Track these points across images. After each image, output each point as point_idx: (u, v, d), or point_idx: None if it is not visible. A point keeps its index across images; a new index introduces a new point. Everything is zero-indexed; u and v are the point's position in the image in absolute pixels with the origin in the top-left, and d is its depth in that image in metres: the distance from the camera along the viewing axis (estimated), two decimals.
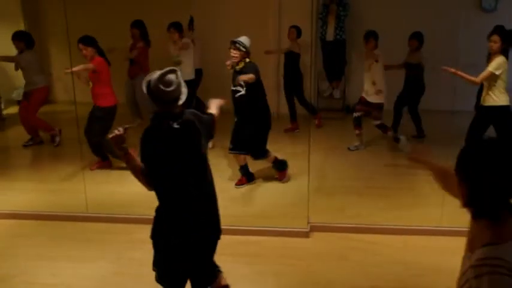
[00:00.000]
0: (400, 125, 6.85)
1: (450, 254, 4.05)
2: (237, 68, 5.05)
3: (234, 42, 4.99)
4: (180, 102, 2.73)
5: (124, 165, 2.87)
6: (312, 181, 4.65)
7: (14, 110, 7.59)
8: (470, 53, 6.01)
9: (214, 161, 5.57)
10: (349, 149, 6.37)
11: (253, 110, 5.09)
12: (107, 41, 5.76)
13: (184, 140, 2.72)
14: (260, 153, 5.27)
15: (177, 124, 2.69)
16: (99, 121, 5.54)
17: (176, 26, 6.38)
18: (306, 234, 4.39)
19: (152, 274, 2.94)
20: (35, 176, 5.93)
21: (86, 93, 5.59)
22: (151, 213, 2.86)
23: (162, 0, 7.29)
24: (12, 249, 4.24)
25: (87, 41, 5.45)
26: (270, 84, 7.09)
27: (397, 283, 3.70)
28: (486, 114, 5.10)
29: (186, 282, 2.97)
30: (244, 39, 5.01)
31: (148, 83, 2.70)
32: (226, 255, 4.06)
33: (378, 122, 6.23)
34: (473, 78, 5.00)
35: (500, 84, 4.97)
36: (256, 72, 4.98)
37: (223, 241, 4.28)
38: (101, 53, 5.52)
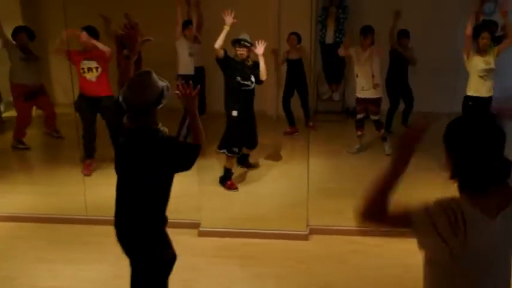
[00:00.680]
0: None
1: None
2: (249, 63, 5.24)
3: (238, 41, 5.18)
4: (159, 106, 2.54)
5: None
6: (311, 183, 4.65)
7: (13, 113, 7.58)
8: None
9: (212, 164, 5.63)
10: (351, 152, 6.35)
11: (252, 105, 5.33)
12: (108, 42, 5.79)
13: (124, 156, 2.61)
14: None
15: (123, 138, 2.57)
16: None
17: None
18: (305, 237, 4.39)
19: None
20: (35, 179, 5.93)
21: None
22: None
23: (160, 5, 7.31)
24: (12, 252, 4.24)
25: (93, 32, 5.55)
26: (269, 87, 7.11)
27: (396, 286, 3.70)
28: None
29: None
30: (246, 35, 5.22)
31: (123, 92, 2.54)
32: (225, 257, 4.09)
33: (376, 117, 6.24)
34: None
35: None
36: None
37: (222, 244, 4.32)
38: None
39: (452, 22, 6.83)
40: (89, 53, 5.52)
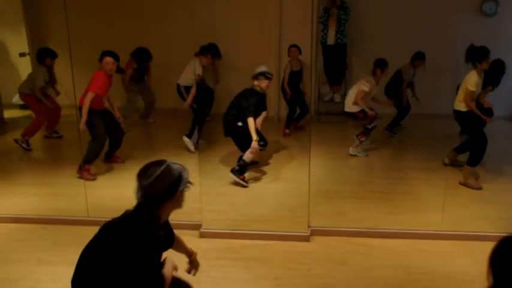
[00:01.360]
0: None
1: (450, 258, 4.07)
2: (263, 92, 5.56)
3: (264, 74, 5.43)
4: (171, 196, 2.28)
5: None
6: (312, 185, 4.65)
7: (15, 114, 7.61)
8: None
9: (214, 166, 5.63)
10: (362, 155, 6.37)
11: None
12: (108, 44, 5.79)
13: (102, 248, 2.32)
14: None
15: (112, 227, 2.31)
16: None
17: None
18: (306, 238, 4.39)
19: None
20: (36, 181, 5.93)
21: None
22: None
23: (161, 7, 7.33)
24: (13, 254, 4.24)
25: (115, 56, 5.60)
26: (270, 90, 7.11)
27: (397, 287, 3.70)
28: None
29: None
30: (267, 68, 5.51)
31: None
32: (226, 259, 4.09)
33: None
34: None
35: None
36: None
37: (223, 245, 4.33)
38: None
39: (452, 23, 6.83)
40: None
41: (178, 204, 2.36)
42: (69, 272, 3.94)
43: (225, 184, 5.42)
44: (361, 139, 6.29)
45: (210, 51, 6.48)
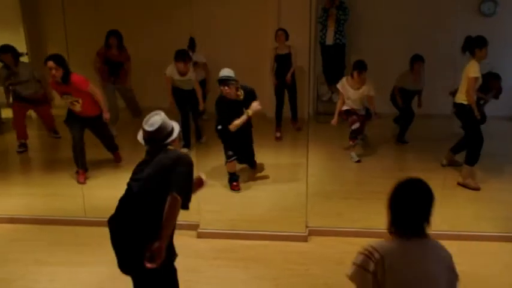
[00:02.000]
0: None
1: None
2: (239, 99, 5.15)
3: (222, 81, 5.04)
4: (170, 139, 2.96)
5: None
6: (310, 185, 4.65)
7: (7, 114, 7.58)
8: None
9: (212, 165, 5.62)
10: (355, 160, 6.30)
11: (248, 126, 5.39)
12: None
13: (143, 170, 2.90)
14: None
15: (145, 157, 2.96)
16: (106, 125, 5.70)
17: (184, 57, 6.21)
18: (304, 239, 4.38)
19: None
20: (33, 181, 5.92)
21: None
22: None
23: (160, 5, 7.32)
24: (10, 254, 4.23)
25: (59, 61, 5.16)
26: (266, 89, 7.10)
27: None
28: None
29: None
30: (228, 71, 5.08)
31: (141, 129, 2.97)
32: (224, 259, 4.08)
33: (355, 127, 6.19)
34: None
35: None
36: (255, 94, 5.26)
37: (221, 245, 4.32)
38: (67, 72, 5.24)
39: (451, 23, 6.83)
40: (66, 87, 5.26)
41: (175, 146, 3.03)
42: (66, 272, 3.96)
43: (222, 184, 5.41)
44: (350, 143, 6.23)
45: (179, 57, 6.12)
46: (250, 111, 5.09)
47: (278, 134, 7.07)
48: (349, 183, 5.64)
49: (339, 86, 6.18)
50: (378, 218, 4.60)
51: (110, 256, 4.10)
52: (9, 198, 5.27)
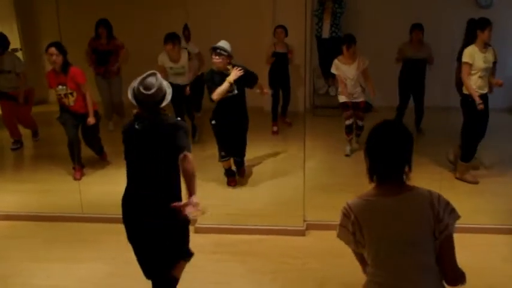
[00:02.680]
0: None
1: None
2: (227, 72, 5.00)
3: (215, 49, 4.96)
4: (164, 103, 2.90)
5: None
6: (307, 179, 4.63)
7: None
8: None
9: (208, 159, 5.60)
10: (346, 155, 6.29)
11: (245, 108, 5.17)
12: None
13: (144, 141, 2.89)
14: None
15: (140, 126, 2.88)
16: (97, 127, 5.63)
17: (173, 38, 6.09)
18: (301, 232, 4.38)
19: None
20: (29, 177, 5.90)
21: None
22: None
23: (156, 1, 7.28)
24: (6, 251, 4.21)
25: (61, 48, 5.21)
26: (266, 83, 7.07)
27: None
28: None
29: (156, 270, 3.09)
30: (224, 43, 4.99)
31: (133, 89, 2.87)
32: (223, 253, 4.08)
33: (362, 123, 6.15)
34: None
35: None
36: (245, 69, 5.03)
37: (219, 240, 4.31)
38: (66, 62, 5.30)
39: (447, 15, 6.80)
40: (63, 77, 5.27)
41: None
42: (63, 268, 3.94)
43: (219, 179, 5.40)
44: (346, 137, 6.19)
45: (168, 39, 5.97)
46: (230, 78, 4.92)
47: (275, 128, 7.06)
48: (347, 176, 5.62)
49: (333, 70, 6.08)
50: None
51: (107, 252, 4.11)
52: (5, 195, 5.25)
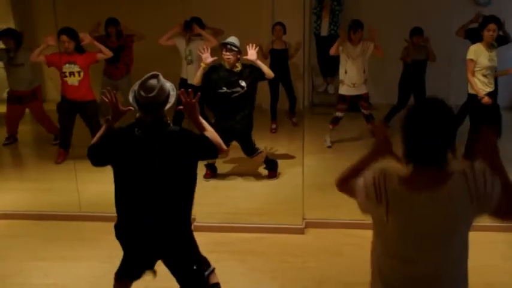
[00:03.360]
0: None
1: None
2: (235, 70, 5.02)
3: (225, 45, 4.95)
4: (168, 106, 2.71)
5: None
6: (306, 177, 4.62)
7: (3, 109, 7.50)
8: (464, 46, 6.00)
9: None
10: (327, 145, 6.32)
11: (249, 108, 5.14)
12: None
13: (145, 150, 2.64)
14: (255, 149, 5.26)
15: (141, 132, 2.65)
16: (97, 116, 5.63)
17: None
18: (301, 231, 4.37)
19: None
20: (26, 176, 5.88)
21: None
22: None
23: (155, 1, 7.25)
24: (4, 250, 4.19)
25: (72, 34, 5.41)
26: (264, 81, 7.05)
27: None
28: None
29: None
30: (233, 39, 4.99)
31: (134, 92, 2.71)
32: (221, 252, 4.06)
33: (368, 112, 6.20)
34: None
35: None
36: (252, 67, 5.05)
37: (217, 239, 4.29)
38: (79, 47, 5.53)
39: (445, 12, 6.80)
40: (72, 56, 5.46)
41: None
42: (62, 267, 3.93)
43: (218, 177, 5.39)
44: (329, 126, 6.28)
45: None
46: (202, 63, 4.97)
47: (274, 126, 7.04)
48: None
49: (335, 48, 6.09)
50: None
51: (105, 251, 4.09)
52: (3, 194, 5.22)
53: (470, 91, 5.14)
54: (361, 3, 7.63)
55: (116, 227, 2.84)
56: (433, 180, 1.84)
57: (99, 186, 5.22)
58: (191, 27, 6.18)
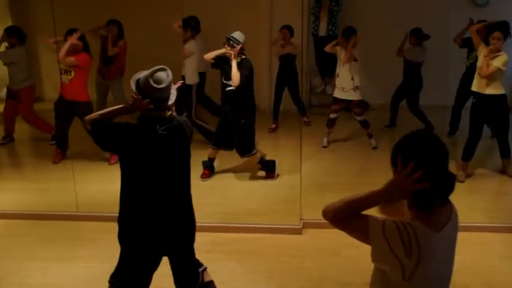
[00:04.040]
0: (397, 119, 6.86)
1: None
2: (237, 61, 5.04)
3: (228, 39, 4.96)
4: (170, 102, 2.71)
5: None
6: (304, 177, 4.62)
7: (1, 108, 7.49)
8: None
9: (200, 159, 5.58)
10: (323, 146, 6.34)
11: (243, 105, 5.10)
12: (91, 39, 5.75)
13: (169, 146, 2.70)
14: (248, 149, 5.24)
15: (164, 130, 2.67)
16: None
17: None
18: (298, 231, 4.37)
19: None
20: (24, 175, 5.87)
21: None
22: None
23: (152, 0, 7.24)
24: (1, 250, 4.18)
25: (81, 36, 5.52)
26: (262, 81, 7.06)
27: None
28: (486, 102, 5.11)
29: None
30: (237, 34, 5.00)
31: (137, 81, 2.68)
32: (218, 252, 4.06)
33: (361, 118, 6.22)
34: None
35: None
36: (250, 69, 5.02)
37: (215, 239, 4.29)
38: (86, 47, 5.60)
39: (444, 13, 6.81)
40: (74, 54, 5.51)
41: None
42: (59, 267, 3.92)
43: (216, 177, 5.38)
44: (326, 130, 6.32)
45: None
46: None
47: (273, 126, 7.04)
48: (344, 174, 5.62)
49: (333, 46, 6.20)
50: (372, 210, 4.62)
51: (103, 251, 4.09)
52: (0, 193, 5.21)
53: (493, 92, 5.03)
54: (359, 4, 7.64)
55: (120, 222, 2.81)
56: (447, 213, 1.79)
57: (96, 186, 5.23)
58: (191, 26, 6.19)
